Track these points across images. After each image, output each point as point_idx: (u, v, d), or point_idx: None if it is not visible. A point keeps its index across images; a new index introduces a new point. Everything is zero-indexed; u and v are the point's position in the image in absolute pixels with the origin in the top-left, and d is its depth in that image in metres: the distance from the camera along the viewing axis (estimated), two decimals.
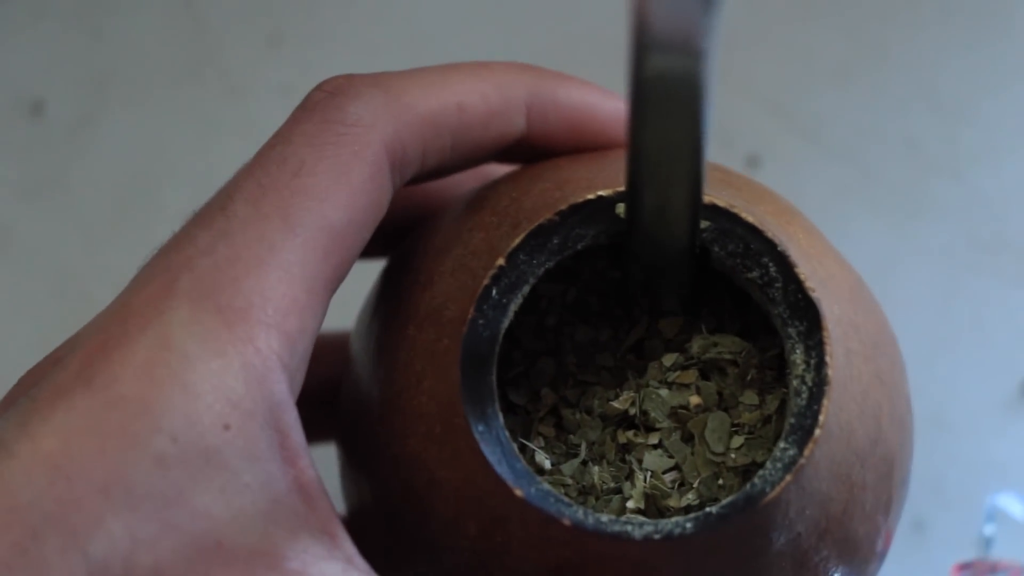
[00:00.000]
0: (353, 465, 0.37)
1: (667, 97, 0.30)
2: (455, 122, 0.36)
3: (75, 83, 0.59)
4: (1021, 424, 0.54)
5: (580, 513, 0.32)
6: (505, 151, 0.38)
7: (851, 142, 0.57)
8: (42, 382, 0.32)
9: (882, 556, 0.37)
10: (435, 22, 0.59)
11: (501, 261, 0.33)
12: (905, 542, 0.54)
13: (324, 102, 0.35)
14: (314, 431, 0.36)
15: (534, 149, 0.38)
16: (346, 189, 0.34)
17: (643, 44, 0.29)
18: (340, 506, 0.38)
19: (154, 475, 0.30)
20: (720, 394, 0.35)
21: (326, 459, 0.39)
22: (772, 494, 0.32)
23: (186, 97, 0.58)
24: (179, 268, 0.32)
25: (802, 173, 0.56)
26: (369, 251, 0.37)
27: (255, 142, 0.59)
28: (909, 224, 0.56)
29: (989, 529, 0.51)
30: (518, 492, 0.32)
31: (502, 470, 0.33)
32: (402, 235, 0.39)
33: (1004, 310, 0.56)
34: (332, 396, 0.39)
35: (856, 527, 0.35)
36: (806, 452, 0.32)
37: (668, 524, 0.32)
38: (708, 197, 0.34)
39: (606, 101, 0.38)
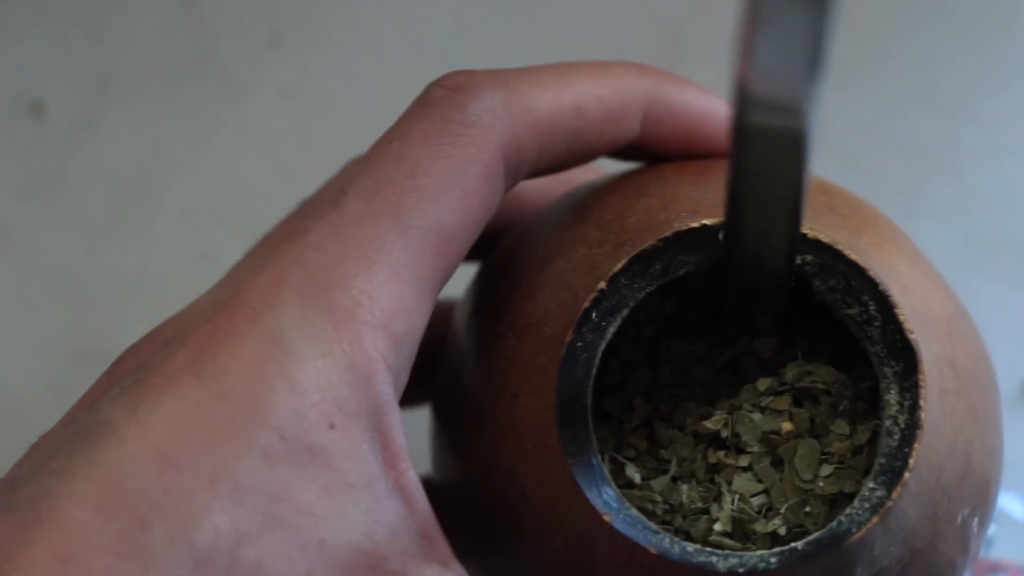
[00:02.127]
0: (446, 451, 0.37)
1: (768, 146, 0.30)
2: (572, 125, 0.36)
3: (75, 83, 0.59)
4: (1021, 424, 0.54)
5: (667, 542, 0.33)
6: (617, 152, 0.38)
7: (851, 142, 0.57)
8: (149, 365, 0.32)
9: (964, 568, 0.37)
10: (435, 22, 0.59)
11: (603, 285, 0.34)
12: None
13: (444, 99, 0.35)
14: (410, 395, 0.36)
15: (645, 151, 0.38)
16: (460, 192, 0.34)
17: (745, 102, 0.29)
18: (426, 464, 0.39)
19: (260, 470, 0.30)
20: (812, 421, 0.35)
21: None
22: (858, 535, 0.32)
23: (186, 97, 0.58)
24: (290, 261, 0.32)
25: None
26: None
27: (255, 142, 0.59)
28: (909, 224, 0.56)
29: (989, 529, 0.51)
30: (606, 518, 0.33)
31: (592, 496, 0.33)
32: (491, 238, 0.39)
33: (1004, 310, 0.56)
34: (430, 362, 0.39)
35: (939, 558, 0.35)
36: (894, 495, 0.33)
37: (753, 559, 0.32)
38: (813, 232, 0.34)
39: (721, 110, 0.38)
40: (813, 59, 0.28)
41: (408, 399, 0.41)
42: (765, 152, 0.31)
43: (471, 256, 0.39)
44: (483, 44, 0.59)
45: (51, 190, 0.58)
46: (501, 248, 0.39)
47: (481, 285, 0.38)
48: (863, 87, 0.58)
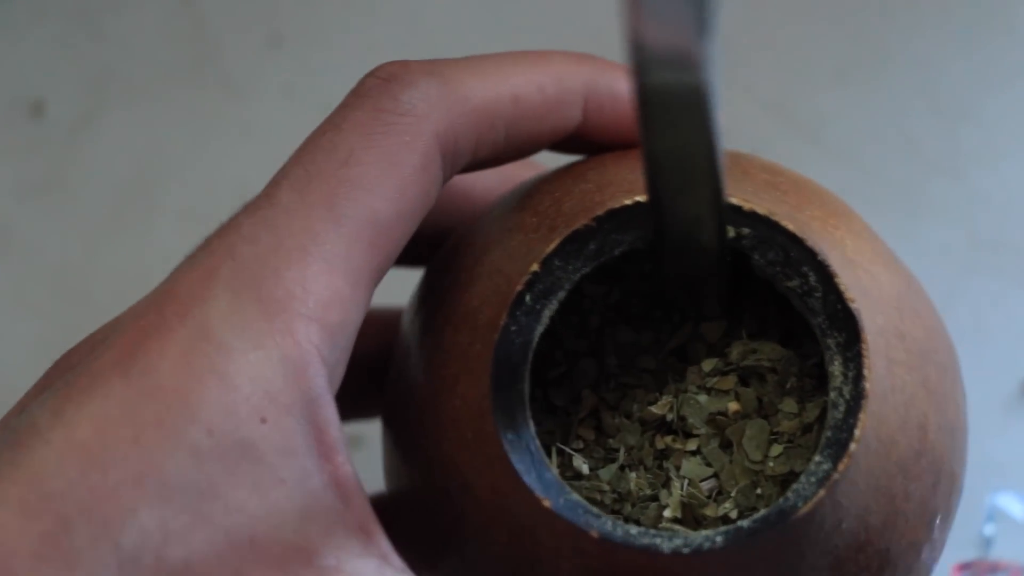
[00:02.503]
0: (394, 454, 0.37)
1: (672, 108, 0.30)
2: (510, 114, 0.35)
3: (75, 83, 0.58)
4: (1021, 424, 0.54)
5: (608, 525, 0.32)
6: (559, 143, 0.37)
7: (851, 142, 0.57)
8: (78, 367, 0.31)
9: (930, 565, 0.36)
10: (435, 22, 0.59)
11: (535, 267, 0.33)
12: None
13: (377, 89, 0.34)
14: (363, 404, 0.36)
15: (588, 141, 0.38)
16: (395, 180, 0.33)
17: (641, 61, 0.29)
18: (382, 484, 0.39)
19: (189, 467, 0.30)
20: (760, 401, 0.34)
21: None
22: (805, 509, 0.32)
23: (186, 97, 0.58)
24: (221, 256, 0.32)
25: (802, 173, 0.56)
26: (407, 259, 0.37)
27: (255, 142, 0.59)
28: (909, 224, 0.56)
29: (989, 529, 0.51)
30: (546, 503, 0.32)
31: (530, 480, 0.32)
32: (440, 239, 0.39)
33: (1004, 310, 0.56)
34: (382, 371, 0.39)
35: (898, 539, 0.34)
36: (840, 467, 0.32)
37: (698, 538, 0.32)
38: (748, 204, 0.33)
39: None
40: (701, 4, 0.28)
41: (366, 409, 0.40)
42: (670, 116, 0.30)
43: (419, 261, 0.39)
44: (482, 45, 0.59)
45: (51, 190, 0.58)
46: (446, 246, 0.38)
47: (424, 283, 0.38)
48: (863, 87, 0.58)
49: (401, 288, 0.40)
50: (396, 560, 0.31)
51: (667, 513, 0.34)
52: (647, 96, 0.30)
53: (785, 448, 0.34)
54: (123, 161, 0.58)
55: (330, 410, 0.31)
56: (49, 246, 0.57)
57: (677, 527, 0.33)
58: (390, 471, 0.37)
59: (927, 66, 0.58)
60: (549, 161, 0.40)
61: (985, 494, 0.52)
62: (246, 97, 0.58)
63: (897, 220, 0.56)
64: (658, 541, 0.32)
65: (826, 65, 0.58)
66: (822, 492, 0.32)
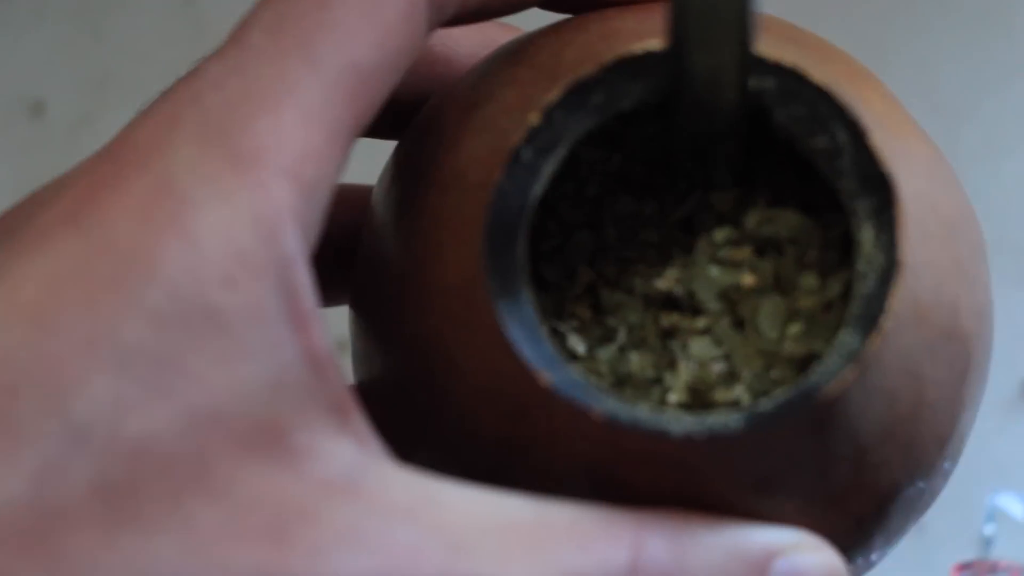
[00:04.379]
0: (366, 337, 0.33)
1: None
2: None
3: (75, 83, 0.59)
4: (1021, 424, 0.54)
5: (613, 405, 0.29)
6: None
7: None
8: (22, 224, 0.28)
9: (953, 462, 0.33)
10: None
11: (535, 117, 0.29)
12: (905, 542, 0.54)
13: None
14: (330, 292, 0.32)
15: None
16: (377, 26, 0.29)
17: None
18: (349, 378, 0.36)
19: (147, 334, 0.26)
20: (777, 275, 0.31)
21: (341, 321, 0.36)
22: (831, 389, 0.28)
23: None
24: (185, 102, 0.29)
25: None
26: (381, 129, 0.33)
27: None
28: None
29: (989, 529, 0.52)
30: (544, 379, 0.28)
31: (528, 352, 0.29)
32: (416, 107, 0.35)
33: (1004, 310, 0.56)
34: (351, 255, 0.35)
35: (924, 429, 0.31)
36: (870, 343, 0.28)
37: (712, 421, 0.28)
38: (772, 55, 0.30)
39: None
40: None
41: (333, 295, 0.36)
42: None
43: (393, 133, 0.36)
44: None
45: None
46: (424, 108, 0.34)
47: (400, 150, 0.34)
48: None
49: (371, 168, 0.37)
50: (374, 442, 0.28)
51: (672, 397, 0.30)
52: None
53: (804, 326, 0.30)
54: None
55: (305, 275, 0.28)
56: None
57: (683, 413, 0.30)
58: (360, 359, 0.34)
59: (927, 66, 0.58)
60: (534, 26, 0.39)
61: (985, 494, 0.52)
62: None
63: None
64: (668, 423, 0.28)
65: None
66: (851, 371, 0.28)
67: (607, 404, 0.29)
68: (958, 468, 0.50)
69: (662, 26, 0.31)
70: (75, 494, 0.26)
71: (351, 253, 0.34)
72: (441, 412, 0.31)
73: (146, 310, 0.27)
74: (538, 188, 0.30)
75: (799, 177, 0.31)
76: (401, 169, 0.33)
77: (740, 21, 0.29)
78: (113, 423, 0.26)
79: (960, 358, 0.32)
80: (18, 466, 0.26)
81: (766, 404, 0.28)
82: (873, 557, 0.33)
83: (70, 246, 0.27)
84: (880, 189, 0.29)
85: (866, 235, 0.29)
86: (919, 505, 0.33)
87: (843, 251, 0.31)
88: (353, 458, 0.28)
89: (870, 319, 0.29)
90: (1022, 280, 0.56)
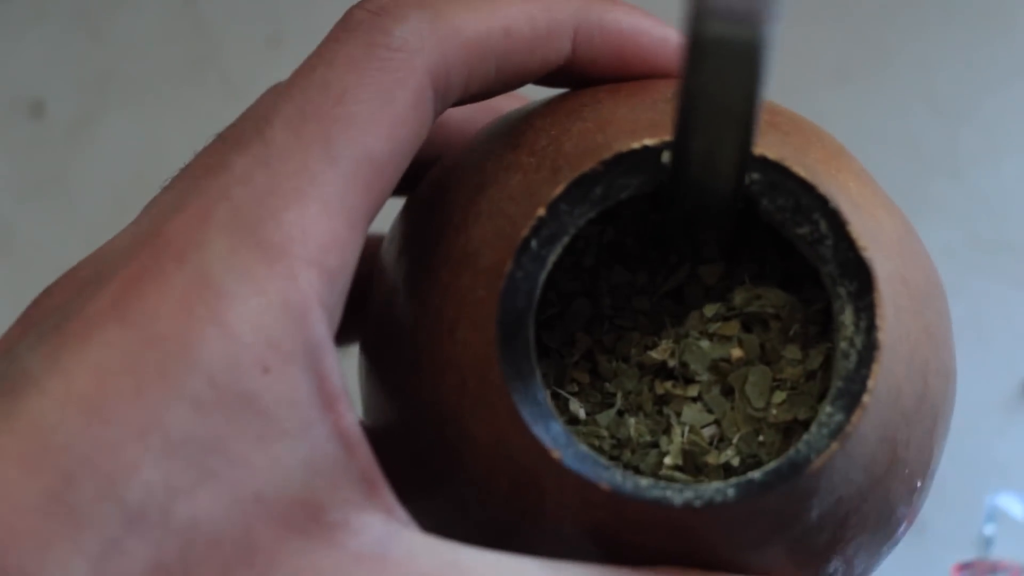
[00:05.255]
0: (378, 390, 0.35)
1: (725, 57, 0.29)
2: (501, 47, 0.34)
3: (75, 83, 0.58)
4: (1021, 424, 0.54)
5: (618, 477, 0.31)
6: (546, 76, 0.36)
7: (851, 142, 0.57)
8: (68, 308, 0.30)
9: (920, 505, 0.36)
10: None
11: (542, 212, 0.32)
12: (905, 542, 0.54)
13: (368, 22, 0.33)
14: (339, 334, 0.34)
15: (576, 74, 0.36)
16: (389, 118, 0.32)
17: (701, 10, 0.28)
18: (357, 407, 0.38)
19: (191, 421, 0.28)
20: (762, 347, 0.34)
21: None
22: (818, 462, 0.31)
23: (186, 97, 0.58)
24: (215, 197, 0.30)
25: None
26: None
27: None
28: None
29: (989, 529, 0.51)
30: (555, 455, 0.31)
31: (539, 431, 0.31)
32: (415, 170, 0.37)
33: (1004, 310, 0.56)
34: (359, 300, 0.37)
35: (898, 485, 0.34)
36: (853, 419, 0.31)
37: (709, 491, 0.31)
38: (758, 149, 0.32)
39: (654, 29, 0.36)
40: None
41: (340, 336, 0.39)
42: (719, 66, 0.29)
43: (395, 191, 0.37)
44: None
45: (51, 190, 0.58)
46: (429, 180, 0.37)
47: (409, 219, 0.36)
48: (863, 87, 0.58)
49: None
50: (401, 512, 0.30)
51: (668, 460, 0.33)
52: (699, 44, 0.29)
53: (788, 395, 0.33)
54: (123, 161, 0.58)
55: (331, 358, 0.30)
56: (49, 246, 0.57)
57: (678, 475, 0.33)
58: (373, 406, 0.36)
59: (927, 66, 0.58)
60: (534, 96, 0.39)
61: (985, 494, 0.52)
62: (246, 97, 0.58)
63: None
64: (669, 494, 0.31)
65: (826, 65, 0.58)
66: (835, 445, 0.31)
67: (613, 477, 0.31)
68: (958, 468, 0.50)
69: (655, 117, 0.33)
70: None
71: (359, 297, 0.36)
72: (455, 475, 0.33)
73: (189, 398, 0.28)
74: (544, 275, 0.32)
75: (779, 253, 0.34)
76: (410, 242, 0.35)
77: (746, 111, 0.31)
78: (165, 507, 0.28)
79: (929, 416, 0.34)
80: (81, 550, 0.28)
81: (757, 475, 0.31)
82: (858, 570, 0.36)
83: (117, 338, 0.29)
84: (860, 274, 0.32)
85: (847, 317, 0.32)
86: (896, 535, 0.36)
87: (823, 324, 0.33)
88: (383, 529, 0.30)
89: (853, 396, 0.31)
90: (1022, 280, 0.56)
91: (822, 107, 0.57)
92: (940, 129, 0.58)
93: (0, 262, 0.57)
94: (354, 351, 0.38)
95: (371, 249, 0.38)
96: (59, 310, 0.30)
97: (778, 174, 0.32)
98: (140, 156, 0.58)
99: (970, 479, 0.54)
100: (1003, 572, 0.50)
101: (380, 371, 0.35)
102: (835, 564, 0.34)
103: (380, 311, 0.36)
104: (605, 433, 0.33)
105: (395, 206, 0.38)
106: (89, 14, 0.59)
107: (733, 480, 0.31)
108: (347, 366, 0.39)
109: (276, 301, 0.29)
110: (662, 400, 0.34)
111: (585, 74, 0.36)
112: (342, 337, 0.38)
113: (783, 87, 0.58)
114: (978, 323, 0.55)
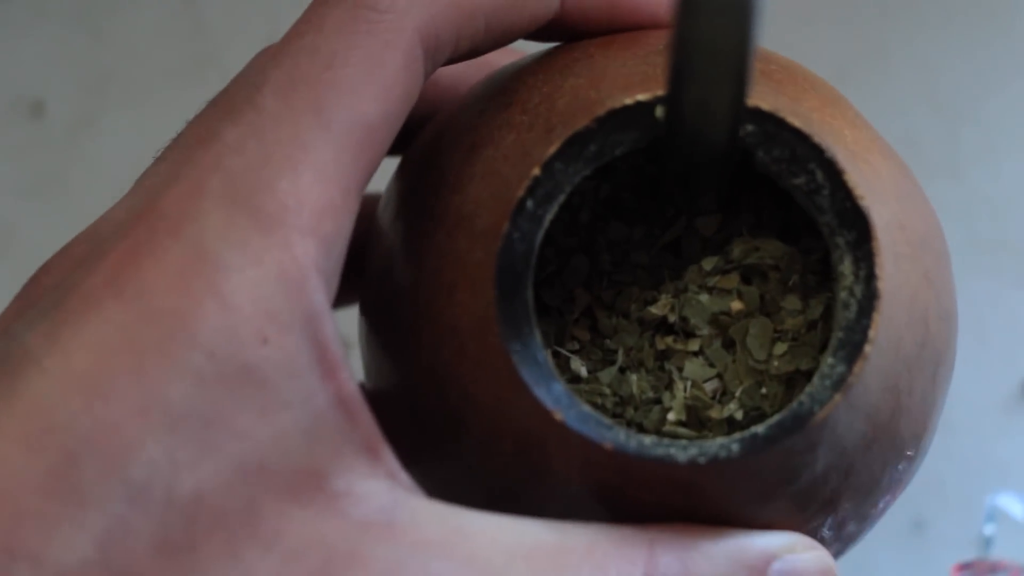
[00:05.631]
0: (379, 354, 0.35)
1: (717, 5, 0.29)
2: (489, 4, 0.34)
3: (75, 83, 0.59)
4: (1021, 424, 0.54)
5: (622, 436, 0.31)
6: (536, 31, 0.36)
7: None
8: (65, 285, 0.30)
9: (927, 446, 0.36)
10: None
11: (537, 171, 0.32)
12: (905, 542, 0.53)
13: None
14: (338, 295, 0.34)
15: (568, 28, 0.36)
16: (380, 81, 0.32)
17: None
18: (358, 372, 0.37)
19: (192, 395, 0.28)
20: (762, 298, 0.33)
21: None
22: (821, 414, 0.31)
23: (186, 97, 0.58)
24: (208, 168, 0.30)
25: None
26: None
27: None
28: None
29: (989, 529, 0.52)
30: (557, 416, 0.31)
31: (540, 393, 0.31)
32: (408, 130, 0.37)
33: (1004, 310, 0.56)
34: (357, 259, 0.37)
35: (902, 430, 0.33)
36: (856, 370, 0.31)
37: (713, 447, 0.31)
38: (752, 100, 0.32)
39: None
40: None
41: (339, 297, 0.37)
42: (711, 15, 0.29)
43: (390, 151, 0.37)
44: None
45: (51, 190, 0.58)
46: (422, 141, 0.36)
47: (405, 180, 0.36)
48: (863, 87, 0.58)
49: None
50: (404, 478, 0.30)
51: (671, 416, 0.33)
52: None
53: (790, 346, 0.33)
54: (123, 161, 0.58)
55: (330, 326, 0.30)
56: (50, 246, 0.57)
57: (682, 430, 0.33)
58: (374, 369, 0.36)
59: (927, 66, 0.58)
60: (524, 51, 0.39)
61: (985, 494, 0.52)
62: None
63: None
64: (673, 451, 0.31)
65: (826, 65, 0.58)
66: (838, 396, 0.31)
67: (616, 437, 0.31)
68: (958, 468, 0.50)
69: (647, 71, 0.33)
70: (139, 553, 0.28)
71: (357, 258, 0.36)
72: (458, 439, 0.33)
73: (190, 372, 0.28)
74: (541, 234, 0.32)
75: (777, 203, 0.34)
76: (406, 204, 0.35)
77: (739, 58, 0.30)
78: (169, 482, 0.28)
79: (931, 362, 0.34)
80: (85, 529, 0.28)
81: (761, 429, 0.31)
82: (850, 528, 0.35)
83: (115, 314, 0.29)
84: (857, 224, 0.32)
85: (846, 267, 0.32)
86: (897, 488, 0.35)
87: (822, 274, 0.33)
88: (388, 496, 0.30)
89: (854, 346, 0.31)
90: (1022, 280, 0.56)
91: None
92: (940, 129, 0.58)
93: (0, 262, 0.57)
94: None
95: (368, 209, 0.37)
96: (56, 288, 0.30)
97: (773, 125, 0.32)
98: (140, 156, 0.58)
99: (970, 479, 0.54)
100: (1003, 572, 0.50)
101: (380, 334, 0.35)
102: (844, 511, 0.34)
103: (379, 274, 0.35)
104: (607, 391, 0.33)
105: (391, 164, 0.37)
106: (89, 14, 0.59)
107: (737, 435, 0.31)
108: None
109: (273, 271, 0.29)
110: (663, 355, 0.34)
111: (576, 27, 0.36)
112: (341, 298, 0.37)
113: None
114: (978, 323, 0.55)
